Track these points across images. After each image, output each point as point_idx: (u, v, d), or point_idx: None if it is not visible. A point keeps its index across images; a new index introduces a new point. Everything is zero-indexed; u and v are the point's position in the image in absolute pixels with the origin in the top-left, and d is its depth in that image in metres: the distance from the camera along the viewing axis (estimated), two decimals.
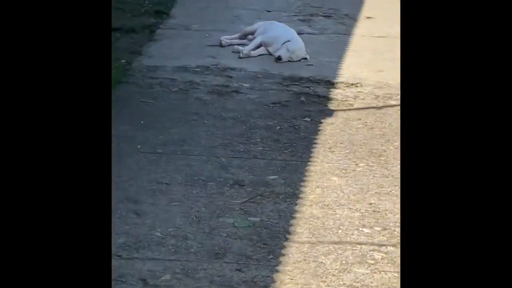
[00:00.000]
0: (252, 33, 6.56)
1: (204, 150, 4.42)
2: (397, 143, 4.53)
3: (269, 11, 7.74)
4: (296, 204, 3.78)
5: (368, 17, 7.65)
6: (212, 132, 4.65)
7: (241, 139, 4.59)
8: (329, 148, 4.48)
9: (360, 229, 3.57)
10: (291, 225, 3.57)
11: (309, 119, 4.94)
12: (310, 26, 7.25)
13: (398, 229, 3.54)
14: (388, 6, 8.08)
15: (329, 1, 8.11)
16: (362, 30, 7.20)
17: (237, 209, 3.71)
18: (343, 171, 4.18)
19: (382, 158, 4.37)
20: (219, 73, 5.80)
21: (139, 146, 4.40)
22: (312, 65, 6.11)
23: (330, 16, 7.61)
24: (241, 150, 4.43)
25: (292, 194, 3.88)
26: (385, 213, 3.72)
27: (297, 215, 3.67)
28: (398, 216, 3.57)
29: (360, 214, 3.70)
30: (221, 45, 6.48)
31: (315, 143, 4.57)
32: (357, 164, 4.27)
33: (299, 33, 6.66)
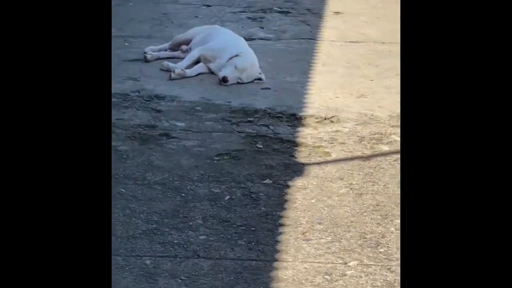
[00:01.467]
0: (188, 43, 5.49)
1: (119, 244, 3.34)
2: (399, 220, 3.50)
3: (209, 6, 6.71)
4: None
5: (336, 12, 6.71)
6: (132, 211, 3.57)
7: (175, 220, 3.54)
8: (303, 234, 3.43)
9: None
10: None
11: (270, 181, 3.87)
12: (263, 28, 6.23)
13: None
14: None
15: None
16: (331, 32, 6.21)
17: None
18: (327, 277, 3.16)
19: (382, 250, 3.35)
20: (143, 105, 4.70)
21: None
22: (269, 88, 5.06)
23: (288, 12, 6.63)
24: (175, 241, 3.36)
25: None
26: None
27: None
28: None
29: None
30: (145, 60, 5.37)
31: (283, 225, 3.54)
32: (346, 263, 3.25)
33: (249, 39, 5.71)
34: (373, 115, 4.69)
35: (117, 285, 3.01)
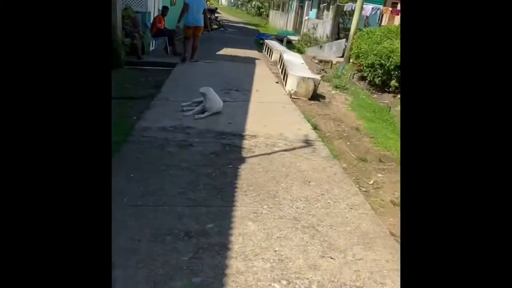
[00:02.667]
0: (201, 102, 4.48)
1: (167, 199, 2.57)
2: (283, 184, 2.87)
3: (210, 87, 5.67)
4: (226, 258, 1.93)
5: (256, 90, 5.79)
6: (174, 182, 2.79)
7: (191, 186, 2.75)
8: (244, 192, 2.70)
9: (272, 284, 1.76)
10: (223, 284, 1.73)
11: (231, 166, 3.12)
12: (229, 97, 5.29)
13: (299, 281, 1.77)
14: (265, 84, 6.30)
15: (237, 81, 6.30)
16: (254, 98, 5.35)
17: (185, 268, 1.83)
18: (255, 214, 2.43)
19: (276, 200, 2.63)
20: (182, 131, 3.88)
21: (125, 200, 2.41)
22: (231, 123, 4.21)
23: (238, 90, 5.68)
24: (191, 197, 2.58)
25: (223, 246, 2.04)
26: (287, 262, 1.93)
27: (228, 271, 1.87)
28: (297, 263, 1.85)
29: (270, 266, 1.91)
30: (183, 110, 4.39)
31: (236, 187, 2.79)
32: (262, 206, 2.53)
33: (224, 101, 4.70)
34: (270, 134, 3.96)
35: (163, 224, 2.22)
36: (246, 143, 3.61)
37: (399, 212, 2.76)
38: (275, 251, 2.05)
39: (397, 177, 3.38)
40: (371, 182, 3.22)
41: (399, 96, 6.68)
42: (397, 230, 2.49)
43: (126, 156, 3.06)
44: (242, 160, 3.22)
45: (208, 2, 16.91)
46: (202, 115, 4.21)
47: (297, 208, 2.53)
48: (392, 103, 6.33)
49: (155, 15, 8.14)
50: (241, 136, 3.75)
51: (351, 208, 2.56)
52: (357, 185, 3.06)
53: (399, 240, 2.36)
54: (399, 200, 2.94)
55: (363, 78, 7.39)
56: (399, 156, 3.84)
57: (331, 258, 2.01)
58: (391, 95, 6.70)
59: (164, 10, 8.15)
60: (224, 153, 3.33)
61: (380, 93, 6.87)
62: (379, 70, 6.71)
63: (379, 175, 3.41)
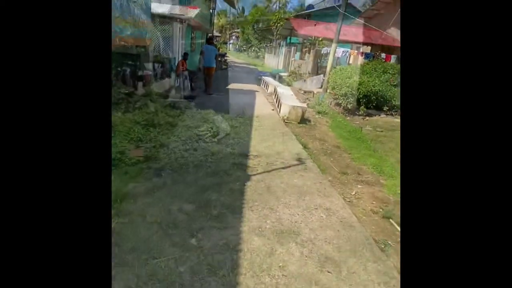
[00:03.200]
0: (212, 128, 4.17)
1: (192, 221, 2.15)
2: (283, 199, 2.50)
3: (218, 115, 5.40)
4: (239, 274, 1.60)
5: (257, 116, 5.46)
6: (189, 200, 2.41)
7: (204, 203, 2.39)
8: (250, 207, 2.38)
9: None
10: None
11: (239, 183, 2.79)
12: (237, 122, 4.92)
13: None
14: (264, 111, 5.92)
15: (242, 109, 5.90)
16: (255, 123, 5.00)
17: (200, 287, 1.49)
18: (259, 229, 2.10)
19: (277, 214, 2.30)
20: (200, 152, 3.51)
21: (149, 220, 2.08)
22: (239, 144, 3.88)
23: (243, 116, 5.32)
24: (208, 216, 2.22)
25: (236, 263, 1.70)
26: (290, 278, 1.60)
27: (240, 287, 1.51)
28: (299, 278, 1.53)
29: (276, 282, 1.56)
30: (200, 134, 4.08)
31: (243, 203, 2.47)
32: (265, 221, 2.19)
33: (231, 126, 4.41)
34: (270, 153, 3.66)
35: (179, 240, 1.89)
36: (250, 162, 3.29)
37: (379, 220, 2.45)
38: (279, 266, 1.74)
39: (374, 188, 3.09)
40: (353, 193, 2.92)
41: (367, 118, 6.47)
42: (379, 237, 2.19)
43: (151, 179, 2.74)
44: (248, 178, 2.91)
45: (220, 49, 16.85)
46: (215, 138, 3.93)
47: (295, 222, 2.22)
48: (362, 124, 6.07)
49: (179, 60, 8.00)
50: (247, 156, 3.44)
51: (341, 221, 2.25)
52: (342, 196, 2.76)
53: (382, 247, 2.05)
54: (378, 209, 2.64)
55: (338, 105, 7.16)
56: (373, 170, 3.56)
57: (328, 272, 1.70)
58: (360, 117, 6.50)
59: (185, 55, 8.05)
60: (233, 171, 3.02)
61: (352, 116, 6.63)
62: (350, 98, 6.55)
63: (359, 186, 3.11)
